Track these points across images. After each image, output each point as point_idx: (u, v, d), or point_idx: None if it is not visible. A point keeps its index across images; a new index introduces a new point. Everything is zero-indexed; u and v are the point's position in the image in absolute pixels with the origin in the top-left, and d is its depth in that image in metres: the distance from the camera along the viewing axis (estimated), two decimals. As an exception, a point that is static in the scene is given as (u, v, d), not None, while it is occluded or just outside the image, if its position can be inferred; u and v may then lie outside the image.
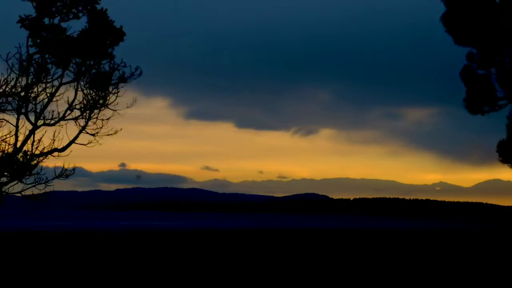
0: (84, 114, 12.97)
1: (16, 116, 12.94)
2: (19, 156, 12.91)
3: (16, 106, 12.86)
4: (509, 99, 17.83)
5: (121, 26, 12.46)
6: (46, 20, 12.58)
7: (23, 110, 12.85)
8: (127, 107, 12.85)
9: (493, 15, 16.68)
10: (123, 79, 12.62)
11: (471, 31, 17.10)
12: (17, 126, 12.89)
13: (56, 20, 12.64)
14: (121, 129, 13.02)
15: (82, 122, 13.05)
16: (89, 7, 12.41)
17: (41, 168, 12.97)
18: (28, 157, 12.98)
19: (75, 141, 13.04)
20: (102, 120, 13.03)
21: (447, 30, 17.37)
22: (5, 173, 12.97)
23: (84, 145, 13.06)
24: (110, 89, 12.76)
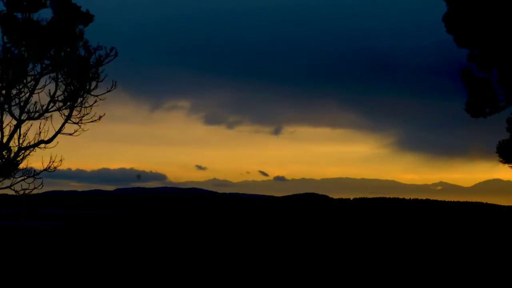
0: (68, 103, 12.92)
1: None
2: (4, 153, 12.89)
3: (-1, 103, 12.84)
4: (509, 101, 17.57)
5: (87, 10, 12.83)
6: (19, 14, 12.66)
7: (6, 107, 12.78)
8: (108, 91, 12.82)
9: (496, 14, 16.37)
10: (99, 62, 12.67)
11: (474, 31, 16.81)
12: (1, 122, 12.84)
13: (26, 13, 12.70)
14: (104, 114, 13.05)
15: (66, 111, 13.03)
16: None
17: (27, 163, 12.99)
18: (15, 151, 12.82)
19: (61, 131, 13.01)
20: (85, 107, 13.04)
21: (449, 30, 17.10)
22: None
23: (70, 134, 13.06)
24: (90, 74, 12.75)
